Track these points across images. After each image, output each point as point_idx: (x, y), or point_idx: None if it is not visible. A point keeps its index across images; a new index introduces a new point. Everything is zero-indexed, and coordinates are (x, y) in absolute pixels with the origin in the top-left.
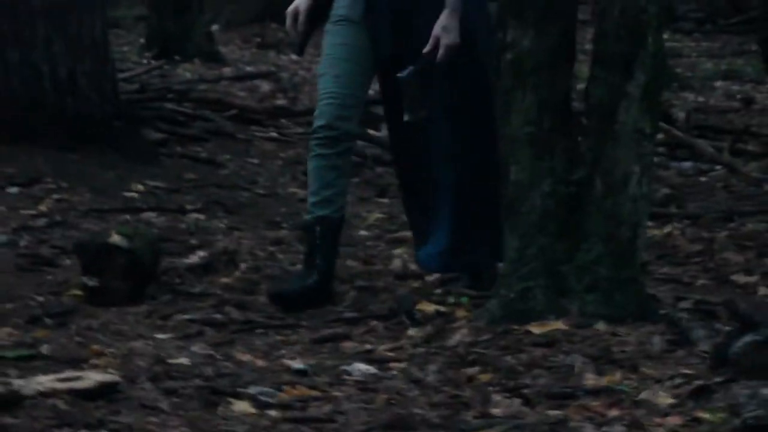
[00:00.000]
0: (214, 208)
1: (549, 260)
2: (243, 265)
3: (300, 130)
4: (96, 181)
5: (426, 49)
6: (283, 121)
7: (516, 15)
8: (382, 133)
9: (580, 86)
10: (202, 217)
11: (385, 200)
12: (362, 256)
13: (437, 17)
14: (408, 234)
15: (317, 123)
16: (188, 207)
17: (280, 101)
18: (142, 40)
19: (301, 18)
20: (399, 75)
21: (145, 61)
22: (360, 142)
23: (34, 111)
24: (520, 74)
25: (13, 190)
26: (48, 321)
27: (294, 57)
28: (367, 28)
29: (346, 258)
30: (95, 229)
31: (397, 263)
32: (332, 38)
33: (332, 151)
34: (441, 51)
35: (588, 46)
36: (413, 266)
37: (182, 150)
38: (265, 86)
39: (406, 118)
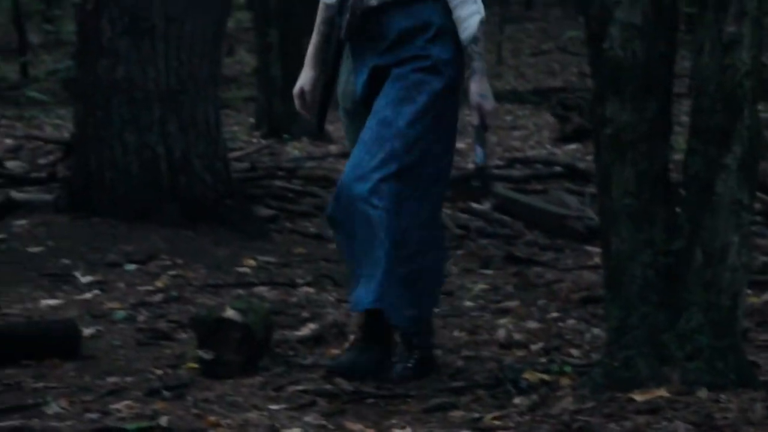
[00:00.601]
0: (324, 282)
1: (650, 329)
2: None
3: None
4: (210, 257)
5: (475, 122)
6: None
7: (615, 91)
8: (485, 206)
9: (678, 158)
10: (312, 290)
11: (489, 271)
12: (467, 326)
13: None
14: (513, 303)
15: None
16: (299, 281)
17: None
18: (251, 120)
19: (308, 98)
20: (478, 162)
21: (254, 141)
22: (463, 215)
23: (150, 191)
24: (619, 148)
25: (131, 266)
26: (166, 393)
27: None
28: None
29: (452, 328)
30: (210, 304)
31: (501, 333)
32: (345, 127)
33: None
34: (487, 119)
35: (684, 118)
36: (518, 336)
37: (292, 225)
38: None
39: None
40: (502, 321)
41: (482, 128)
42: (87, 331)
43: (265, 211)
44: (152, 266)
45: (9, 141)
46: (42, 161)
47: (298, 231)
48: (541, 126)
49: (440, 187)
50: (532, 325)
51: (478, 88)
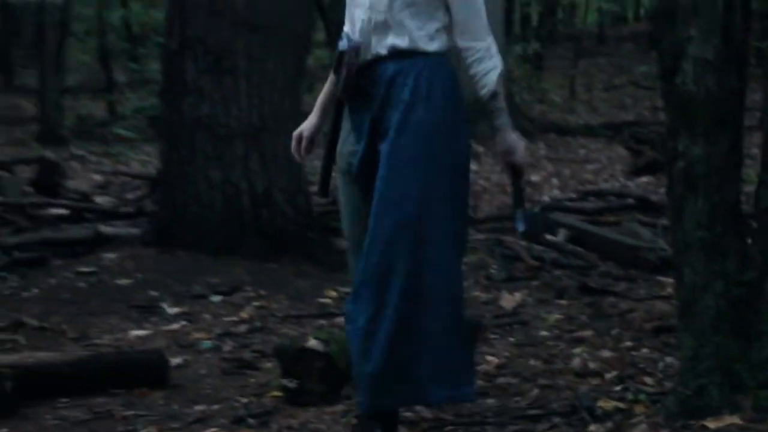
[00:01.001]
0: None
1: (723, 358)
2: None
3: (481, 236)
4: (292, 288)
5: (510, 181)
6: None
7: (687, 125)
8: (559, 238)
9: (749, 190)
10: None
11: (564, 302)
12: (543, 355)
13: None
14: (587, 333)
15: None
16: None
17: None
18: None
19: (305, 143)
20: (519, 230)
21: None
22: (538, 247)
23: (234, 224)
24: (692, 181)
25: (217, 298)
26: (251, 421)
27: (473, 167)
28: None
29: (528, 357)
30: (293, 334)
31: (576, 362)
32: (341, 194)
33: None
34: (520, 171)
35: (754, 151)
36: (593, 364)
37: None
38: None
39: (521, 229)
40: (577, 350)
41: (519, 188)
42: (174, 361)
43: (345, 244)
44: (237, 297)
45: (98, 177)
46: (129, 196)
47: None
48: (613, 159)
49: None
50: (607, 354)
51: (504, 144)
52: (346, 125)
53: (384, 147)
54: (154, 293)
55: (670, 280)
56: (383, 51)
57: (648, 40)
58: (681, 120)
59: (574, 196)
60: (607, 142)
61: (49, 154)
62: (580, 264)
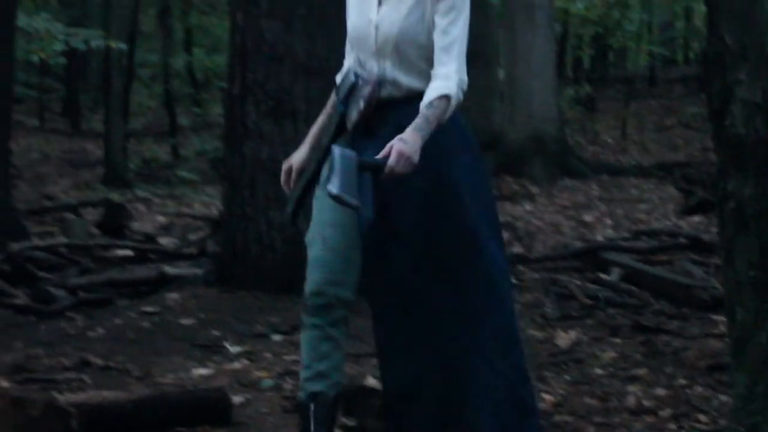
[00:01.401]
0: None
1: None
2: None
3: (536, 276)
4: (350, 327)
5: (380, 155)
6: (519, 267)
7: (737, 166)
8: (612, 276)
9: None
10: None
11: (618, 340)
12: (598, 393)
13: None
14: (641, 371)
15: (306, 289)
16: None
17: (516, 249)
18: None
19: (294, 176)
20: (334, 193)
21: None
22: (592, 285)
23: (294, 264)
24: (743, 221)
25: (277, 337)
26: None
27: (528, 207)
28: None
29: (583, 395)
30: (351, 373)
31: (631, 399)
32: (318, 201)
33: (324, 320)
34: (393, 156)
35: None
36: (647, 402)
37: None
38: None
39: (331, 189)
40: (632, 388)
41: (376, 166)
42: (236, 399)
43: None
44: (297, 336)
45: (161, 218)
46: (192, 237)
47: None
48: (665, 199)
49: None
50: (661, 392)
51: (404, 135)
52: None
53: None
54: (216, 332)
55: (722, 318)
56: (397, 93)
57: (698, 83)
58: (731, 161)
59: (627, 235)
60: (659, 183)
61: (115, 196)
62: (633, 303)
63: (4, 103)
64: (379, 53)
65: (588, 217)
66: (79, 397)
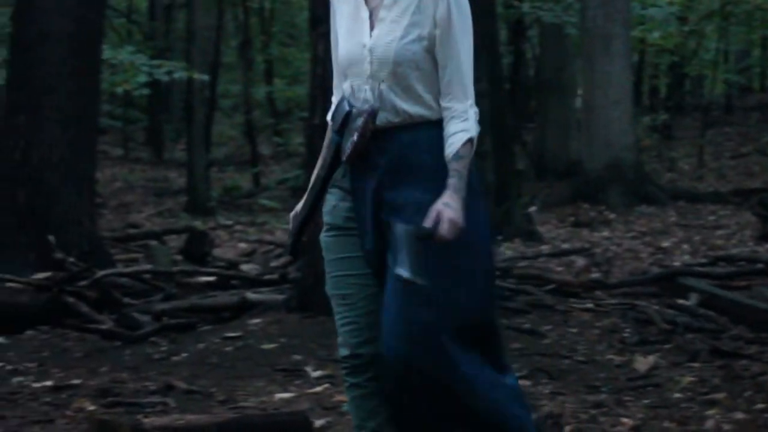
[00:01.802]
0: (538, 375)
1: None
2: (567, 428)
3: (614, 301)
4: None
5: (427, 223)
6: (598, 292)
7: None
8: (691, 302)
9: None
10: (527, 383)
11: (696, 365)
12: (677, 417)
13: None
14: (720, 395)
15: (341, 353)
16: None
17: (595, 274)
18: None
19: (295, 222)
20: (399, 225)
21: None
22: (670, 311)
23: None
24: None
25: None
26: None
27: (605, 233)
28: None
29: (662, 420)
30: None
31: (710, 424)
32: (327, 253)
33: (365, 377)
34: (445, 225)
35: None
36: (726, 427)
37: (507, 322)
38: (580, 261)
39: (404, 273)
40: (710, 412)
41: (428, 234)
42: (318, 423)
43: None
44: None
45: (243, 245)
46: (274, 264)
47: (513, 327)
48: (742, 225)
49: None
50: (740, 416)
51: (446, 198)
52: (337, 191)
53: (399, 226)
54: (297, 357)
55: None
56: (395, 118)
57: None
58: None
59: (704, 261)
60: (736, 209)
61: (198, 224)
62: (711, 328)
63: (89, 133)
64: (374, 78)
65: (665, 243)
66: (164, 420)
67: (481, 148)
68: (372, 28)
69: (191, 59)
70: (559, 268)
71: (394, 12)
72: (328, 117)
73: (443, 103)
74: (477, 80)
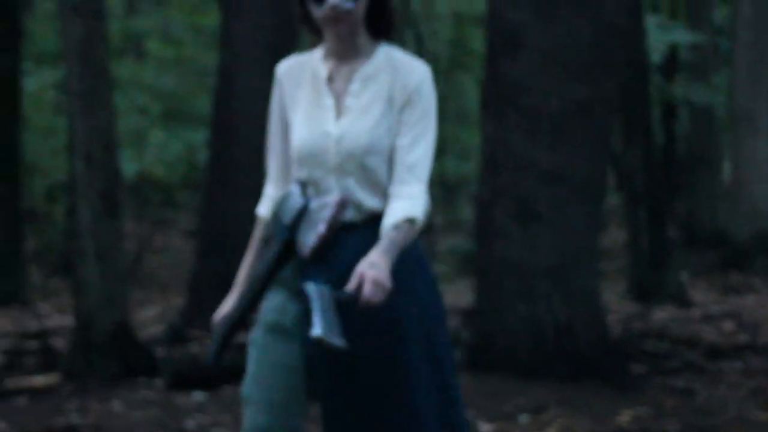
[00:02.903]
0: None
1: None
2: None
3: (761, 362)
4: (592, 408)
5: (349, 286)
6: (746, 354)
7: None
8: None
9: None
10: None
11: None
12: None
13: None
14: None
15: None
16: (669, 431)
17: (743, 337)
18: (623, 288)
19: (223, 326)
20: (315, 333)
21: (627, 306)
22: None
23: (539, 351)
24: None
25: (525, 417)
26: None
27: (752, 299)
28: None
29: None
30: None
31: None
32: (262, 354)
33: None
34: (367, 286)
35: None
36: None
37: (662, 381)
38: (729, 325)
39: (315, 331)
40: None
41: (349, 298)
42: None
43: (638, 368)
44: (543, 416)
45: None
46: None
47: (667, 386)
48: None
49: None
50: None
51: (372, 257)
52: (283, 290)
53: (311, 285)
54: (469, 411)
55: None
56: (356, 217)
57: None
58: None
59: None
60: None
61: None
62: None
63: None
64: (340, 170)
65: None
66: None
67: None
68: (339, 116)
69: None
70: (710, 331)
71: (363, 100)
72: (261, 211)
73: (393, 188)
74: (632, 157)
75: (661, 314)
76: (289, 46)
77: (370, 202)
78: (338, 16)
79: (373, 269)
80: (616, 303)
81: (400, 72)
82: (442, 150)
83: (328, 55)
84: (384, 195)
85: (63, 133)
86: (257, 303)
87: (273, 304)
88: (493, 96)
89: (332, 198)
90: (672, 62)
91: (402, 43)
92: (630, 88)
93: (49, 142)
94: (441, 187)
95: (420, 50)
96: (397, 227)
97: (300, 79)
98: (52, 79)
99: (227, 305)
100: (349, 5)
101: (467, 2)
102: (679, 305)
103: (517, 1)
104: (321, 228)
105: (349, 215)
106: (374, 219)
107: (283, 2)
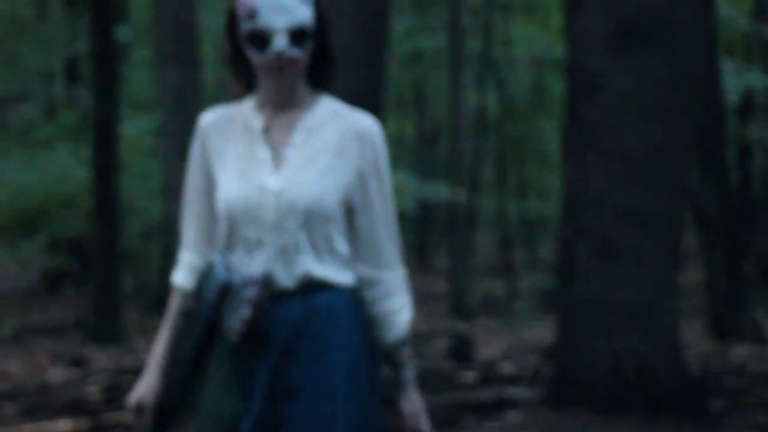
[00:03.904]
0: None
1: None
2: None
3: None
4: None
5: None
6: None
7: None
8: None
9: None
10: None
11: None
12: None
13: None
14: None
15: None
16: None
17: None
18: (701, 326)
19: (150, 415)
20: None
21: (705, 342)
22: None
23: (619, 387)
24: None
25: None
26: None
27: None
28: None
29: None
30: None
31: None
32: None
33: None
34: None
35: None
36: None
37: (741, 417)
38: None
39: None
40: None
41: None
42: None
43: (717, 405)
44: None
45: (500, 345)
46: (528, 362)
47: (747, 422)
48: None
49: None
50: None
51: (412, 405)
52: (219, 376)
53: (294, 411)
54: None
55: None
56: (290, 283)
57: None
58: None
59: None
60: None
61: (460, 326)
62: None
63: None
64: (278, 228)
65: None
66: None
67: (712, 256)
68: (277, 168)
69: (454, 179)
70: None
71: (307, 152)
72: (178, 280)
73: (368, 271)
74: (708, 196)
75: (739, 351)
76: None
77: (308, 265)
78: (282, 64)
79: (422, 422)
80: (694, 340)
81: (352, 130)
82: (522, 191)
83: (262, 106)
84: (325, 260)
85: (158, 176)
86: (192, 386)
87: (216, 409)
88: (573, 138)
89: (255, 275)
90: (747, 104)
91: (483, 88)
92: (706, 129)
93: (145, 185)
94: (522, 226)
95: (501, 94)
96: (404, 343)
97: (227, 131)
98: (147, 125)
99: (143, 389)
100: (295, 53)
101: (546, 47)
102: (756, 342)
103: (595, 45)
104: (245, 312)
105: (284, 281)
106: (310, 285)
107: None
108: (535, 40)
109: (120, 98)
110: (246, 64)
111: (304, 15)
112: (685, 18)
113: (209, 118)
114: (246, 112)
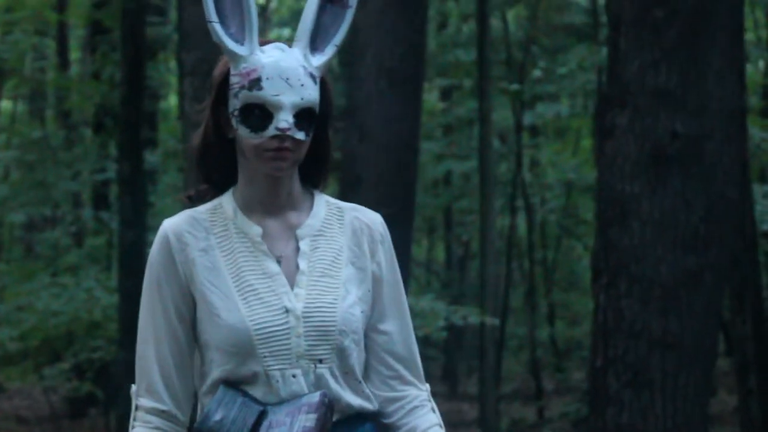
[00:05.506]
0: None
1: None
2: None
3: None
4: None
5: None
6: None
7: None
8: None
9: None
10: None
11: None
12: None
13: None
14: None
15: None
16: None
17: None
18: None
19: None
20: None
21: None
22: None
23: None
24: None
25: None
26: None
27: None
28: None
29: None
30: None
31: None
32: None
33: None
34: None
35: None
36: None
37: None
38: None
39: None
40: None
41: None
42: None
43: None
44: None
45: None
46: None
47: None
48: None
49: None
50: None
51: None
52: None
53: None
54: None
55: None
56: (333, 416)
57: None
58: None
59: None
60: None
61: None
62: None
63: None
64: (308, 358)
65: None
66: None
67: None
68: (292, 285)
69: (483, 304)
70: None
71: (318, 263)
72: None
73: (392, 391)
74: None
75: None
76: None
77: (346, 395)
78: (283, 148)
79: None
80: None
81: (359, 229)
82: (552, 315)
83: (247, 208)
84: (358, 386)
85: None
86: None
87: None
88: (604, 265)
89: (310, 398)
90: None
91: (512, 211)
92: (740, 255)
93: None
94: (551, 351)
95: (530, 218)
96: None
97: (209, 241)
98: None
99: None
100: (300, 135)
101: (576, 171)
102: None
103: (627, 171)
104: None
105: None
106: (349, 417)
107: None
108: (565, 165)
109: (147, 224)
110: (221, 154)
111: (314, 94)
112: (717, 145)
113: (178, 226)
114: (228, 215)
